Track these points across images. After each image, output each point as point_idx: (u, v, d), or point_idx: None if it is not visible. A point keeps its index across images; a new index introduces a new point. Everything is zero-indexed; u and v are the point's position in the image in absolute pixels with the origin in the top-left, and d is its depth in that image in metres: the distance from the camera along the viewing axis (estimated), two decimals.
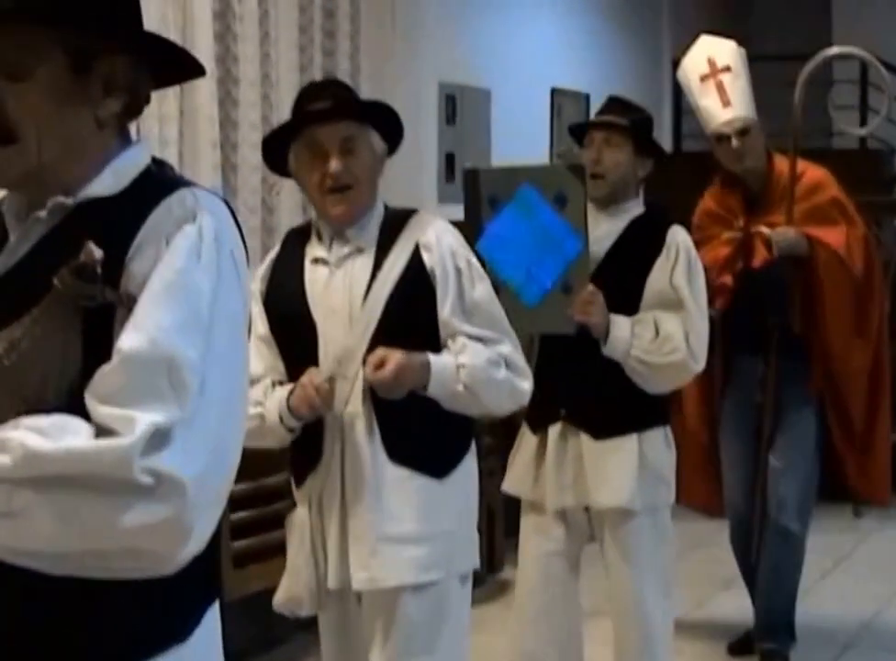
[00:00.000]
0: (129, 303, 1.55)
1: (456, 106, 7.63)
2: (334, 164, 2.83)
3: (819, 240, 4.43)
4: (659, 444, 3.65)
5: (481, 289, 2.90)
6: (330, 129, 2.84)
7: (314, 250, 2.96)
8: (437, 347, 2.85)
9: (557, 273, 3.46)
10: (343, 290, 2.87)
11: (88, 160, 1.67)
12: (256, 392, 2.85)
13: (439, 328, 2.85)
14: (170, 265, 1.55)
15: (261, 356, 2.92)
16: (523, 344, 3.10)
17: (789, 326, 4.49)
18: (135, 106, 1.71)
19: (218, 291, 1.56)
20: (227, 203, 1.69)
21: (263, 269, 3.02)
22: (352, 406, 2.82)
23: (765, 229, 4.38)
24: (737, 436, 4.65)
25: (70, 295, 1.55)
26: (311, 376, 2.78)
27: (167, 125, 5.19)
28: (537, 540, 3.74)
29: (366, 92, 6.72)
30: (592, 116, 4.09)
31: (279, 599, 2.99)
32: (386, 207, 2.98)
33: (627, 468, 3.56)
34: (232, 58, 5.71)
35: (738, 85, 4.35)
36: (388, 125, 2.93)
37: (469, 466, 2.97)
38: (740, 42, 4.50)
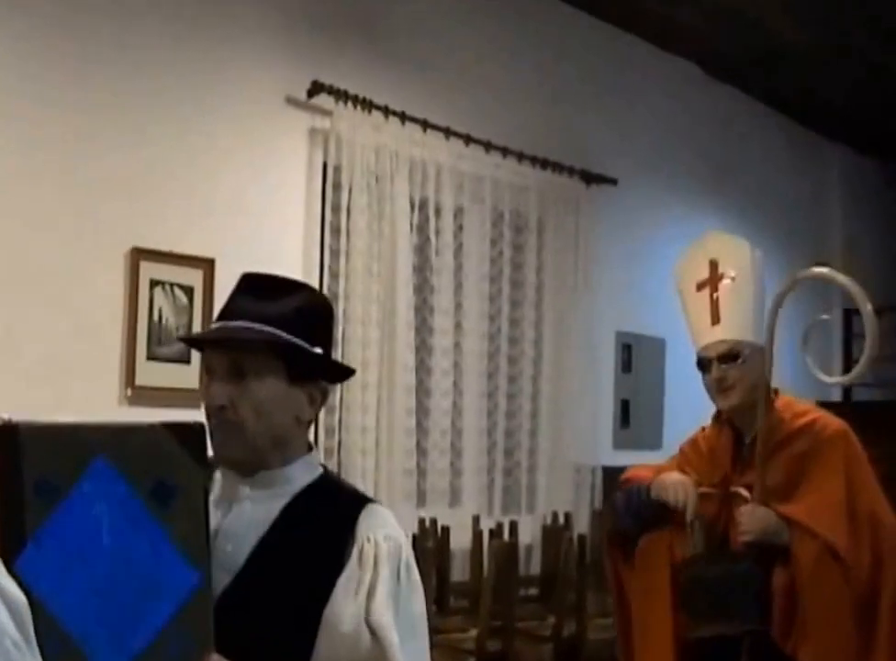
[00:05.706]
0: None
1: (632, 354, 7.48)
2: None
3: (804, 526, 3.15)
4: None
5: None
6: None
7: None
8: None
9: (158, 626, 1.79)
10: None
11: None
12: None
13: None
14: None
15: None
16: None
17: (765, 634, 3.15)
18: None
19: None
20: None
21: None
22: None
23: (744, 492, 3.24)
24: None
25: None
26: None
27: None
28: None
29: (549, 338, 7.59)
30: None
31: None
32: None
33: None
34: (429, 309, 6.53)
35: (738, 298, 3.36)
36: None
37: None
38: None
